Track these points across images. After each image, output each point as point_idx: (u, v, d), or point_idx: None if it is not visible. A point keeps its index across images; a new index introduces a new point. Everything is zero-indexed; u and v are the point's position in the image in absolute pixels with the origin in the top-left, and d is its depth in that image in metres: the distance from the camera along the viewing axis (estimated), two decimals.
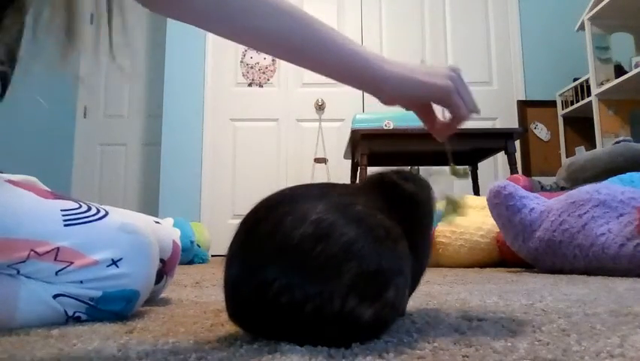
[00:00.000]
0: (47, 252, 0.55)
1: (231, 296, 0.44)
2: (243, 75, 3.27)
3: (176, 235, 0.79)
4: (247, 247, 0.44)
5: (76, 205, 0.60)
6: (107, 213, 0.61)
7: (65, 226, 0.57)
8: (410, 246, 0.48)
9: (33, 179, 0.69)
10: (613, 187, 1.36)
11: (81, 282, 0.56)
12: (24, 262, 0.54)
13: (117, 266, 0.58)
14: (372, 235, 0.43)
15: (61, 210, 0.58)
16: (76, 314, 0.58)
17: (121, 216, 0.62)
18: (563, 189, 1.87)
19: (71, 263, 0.56)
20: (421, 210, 0.55)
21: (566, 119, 3.06)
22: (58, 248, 0.55)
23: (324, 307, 0.40)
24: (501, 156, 2.91)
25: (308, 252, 0.41)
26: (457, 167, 0.65)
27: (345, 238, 0.41)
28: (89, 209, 0.60)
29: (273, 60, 3.27)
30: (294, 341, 0.42)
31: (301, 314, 0.41)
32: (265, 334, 0.43)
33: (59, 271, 0.55)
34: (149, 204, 3.37)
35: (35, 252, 0.54)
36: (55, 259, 0.55)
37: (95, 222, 0.59)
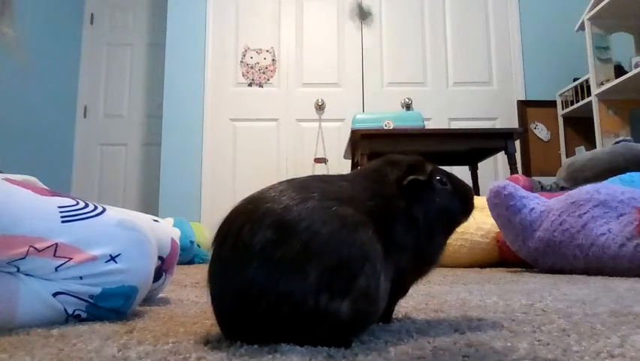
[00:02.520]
0: (46, 248, 0.55)
1: (219, 314, 0.45)
2: (243, 75, 3.27)
3: (175, 233, 0.79)
4: (219, 264, 0.45)
5: (74, 202, 0.60)
6: (104, 210, 0.61)
7: (63, 222, 0.57)
8: (397, 235, 0.49)
9: (33, 179, 0.69)
10: (613, 187, 1.36)
11: (81, 278, 0.56)
12: (23, 258, 0.54)
13: (116, 262, 0.58)
14: (327, 229, 0.42)
15: (59, 207, 0.58)
16: (76, 312, 0.58)
17: (118, 213, 0.63)
18: (563, 189, 1.87)
19: (70, 259, 0.56)
20: (408, 197, 0.51)
21: (566, 119, 3.06)
22: (56, 244, 0.55)
23: (299, 310, 0.41)
24: (501, 156, 2.91)
25: (270, 259, 0.41)
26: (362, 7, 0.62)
27: (302, 238, 0.42)
28: (87, 206, 0.61)
29: (273, 60, 3.27)
30: (293, 341, 0.42)
31: (282, 319, 0.41)
32: (263, 341, 0.43)
33: (59, 266, 0.55)
34: (149, 204, 3.37)
35: (34, 248, 0.54)
36: (54, 255, 0.55)
37: (92, 219, 0.59)
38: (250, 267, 0.42)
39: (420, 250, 0.52)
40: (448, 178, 0.56)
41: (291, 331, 0.42)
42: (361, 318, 0.43)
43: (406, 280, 0.54)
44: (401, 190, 0.51)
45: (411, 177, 0.51)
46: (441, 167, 0.57)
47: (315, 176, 0.53)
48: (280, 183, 0.49)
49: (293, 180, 0.50)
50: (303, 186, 0.48)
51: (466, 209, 0.57)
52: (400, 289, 0.54)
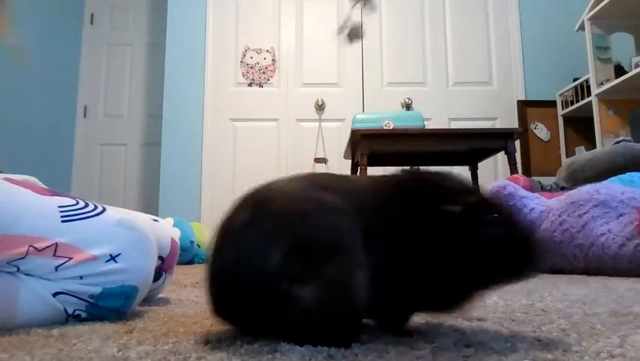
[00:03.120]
0: (46, 247, 0.55)
1: (207, 294, 0.46)
2: (243, 75, 3.27)
3: (175, 233, 0.79)
4: (212, 248, 0.46)
5: (74, 202, 0.60)
6: (104, 210, 0.61)
7: (63, 222, 0.57)
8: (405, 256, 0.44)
9: (33, 179, 0.69)
10: (613, 187, 1.36)
11: (81, 277, 0.56)
12: (23, 258, 0.54)
13: (116, 261, 0.58)
14: (298, 209, 0.41)
15: (59, 207, 0.58)
16: (76, 312, 0.58)
17: (118, 213, 0.63)
18: (563, 189, 1.87)
19: (70, 258, 0.56)
20: (422, 212, 0.44)
21: (566, 119, 3.06)
22: (56, 244, 0.55)
23: (263, 292, 0.40)
24: (501, 156, 2.90)
25: (243, 239, 0.42)
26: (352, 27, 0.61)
27: (272, 217, 0.42)
28: (87, 205, 0.61)
29: (273, 60, 3.27)
30: (271, 326, 0.42)
31: (251, 301, 0.41)
32: (243, 325, 0.45)
33: (59, 266, 0.55)
34: (149, 205, 3.37)
35: (34, 247, 0.54)
36: (54, 255, 0.55)
37: (92, 218, 0.59)
38: (227, 247, 0.43)
39: (430, 286, 0.45)
40: (503, 217, 0.44)
41: (263, 315, 0.42)
42: (328, 308, 0.40)
43: (414, 303, 0.48)
44: (428, 218, 0.44)
45: (442, 208, 0.43)
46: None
47: (333, 174, 0.50)
48: (292, 175, 0.49)
49: (307, 174, 0.49)
50: (307, 177, 0.47)
51: (523, 266, 0.44)
52: (404, 308, 0.49)
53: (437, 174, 0.48)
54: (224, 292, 0.44)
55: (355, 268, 0.41)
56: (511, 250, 0.43)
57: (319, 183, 0.45)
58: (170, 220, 2.21)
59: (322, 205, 0.42)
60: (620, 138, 2.18)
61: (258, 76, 3.26)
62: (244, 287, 0.41)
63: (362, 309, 0.43)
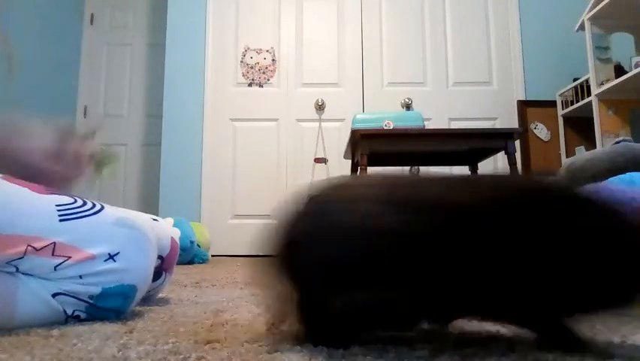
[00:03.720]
0: (44, 247, 0.55)
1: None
2: (243, 75, 3.27)
3: (175, 233, 0.79)
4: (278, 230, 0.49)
5: (72, 200, 0.60)
6: (102, 208, 0.61)
7: (61, 220, 0.57)
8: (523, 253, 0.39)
9: None
10: (613, 187, 1.36)
11: (80, 277, 0.56)
12: (22, 258, 0.54)
13: (114, 261, 0.58)
14: (347, 228, 0.42)
15: (56, 206, 0.58)
16: (76, 313, 0.57)
17: (117, 212, 0.62)
18: None
19: (69, 258, 0.56)
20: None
21: (566, 119, 3.06)
22: (54, 243, 0.55)
23: (302, 287, 0.43)
24: (501, 156, 2.91)
25: (298, 233, 0.45)
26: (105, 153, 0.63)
27: (323, 221, 0.44)
28: (85, 204, 0.60)
29: (273, 60, 3.27)
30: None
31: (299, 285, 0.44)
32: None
33: (58, 265, 0.55)
34: (149, 205, 3.37)
35: (32, 247, 0.54)
36: (52, 254, 0.55)
37: (90, 217, 0.59)
38: (286, 240, 0.46)
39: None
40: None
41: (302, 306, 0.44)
42: (356, 317, 0.41)
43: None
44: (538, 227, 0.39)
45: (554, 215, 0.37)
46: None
47: (428, 180, 0.47)
48: (381, 176, 0.48)
49: (396, 179, 0.47)
50: (389, 186, 0.45)
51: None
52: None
53: (533, 178, 0.44)
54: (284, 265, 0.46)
55: (390, 280, 0.41)
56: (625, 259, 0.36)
57: (397, 197, 0.42)
58: (170, 220, 2.21)
59: (369, 224, 0.41)
60: (620, 138, 2.18)
61: (258, 76, 3.26)
62: (291, 273, 0.44)
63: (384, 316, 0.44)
